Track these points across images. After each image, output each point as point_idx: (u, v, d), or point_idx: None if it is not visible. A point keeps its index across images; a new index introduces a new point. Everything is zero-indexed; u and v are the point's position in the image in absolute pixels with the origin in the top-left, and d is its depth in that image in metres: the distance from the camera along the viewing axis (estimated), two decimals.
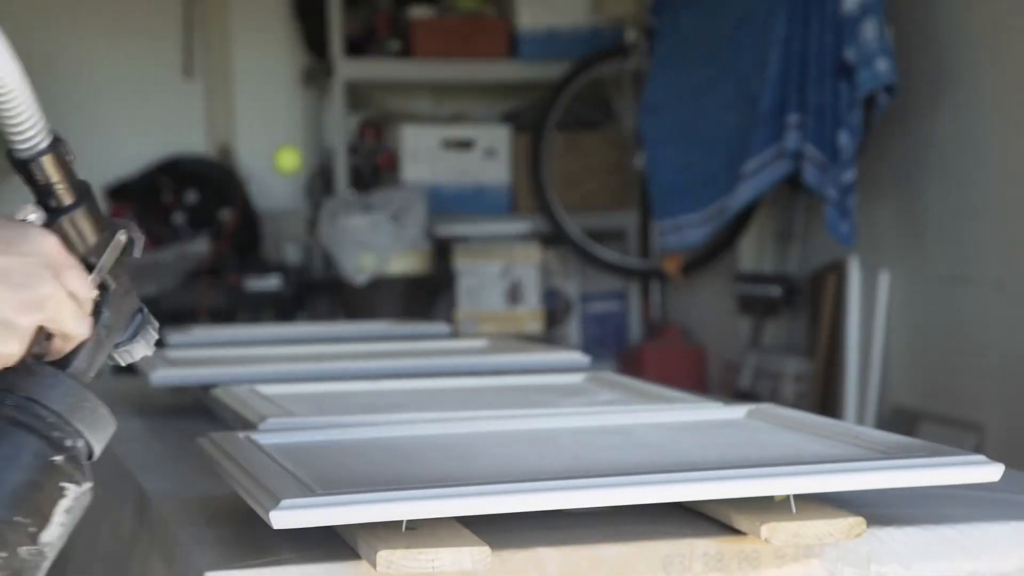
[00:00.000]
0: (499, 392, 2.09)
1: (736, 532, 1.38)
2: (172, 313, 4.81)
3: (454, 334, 3.83)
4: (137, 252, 1.19)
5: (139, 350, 1.21)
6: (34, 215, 1.12)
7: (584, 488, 1.33)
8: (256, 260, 5.09)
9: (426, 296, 5.06)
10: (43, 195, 1.12)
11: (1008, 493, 1.53)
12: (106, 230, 1.16)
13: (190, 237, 5.04)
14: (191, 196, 5.15)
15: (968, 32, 3.85)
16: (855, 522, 1.35)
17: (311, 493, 1.30)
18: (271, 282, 4.97)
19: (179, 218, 5.12)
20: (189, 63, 5.43)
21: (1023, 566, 1.42)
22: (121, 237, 1.17)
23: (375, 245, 4.86)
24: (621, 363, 5.22)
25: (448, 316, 5.08)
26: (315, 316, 5.14)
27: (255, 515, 1.31)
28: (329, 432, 1.67)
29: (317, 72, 5.33)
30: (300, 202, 5.44)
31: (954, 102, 3.90)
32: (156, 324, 1.22)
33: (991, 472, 1.39)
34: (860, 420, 4.13)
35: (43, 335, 1.11)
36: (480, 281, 5.16)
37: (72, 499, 1.10)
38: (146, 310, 1.21)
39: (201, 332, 2.92)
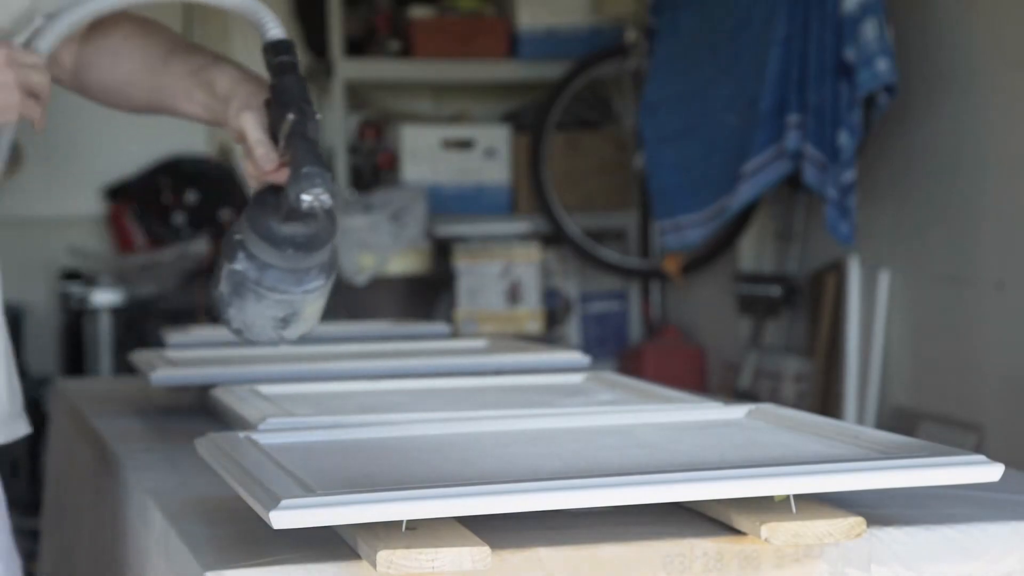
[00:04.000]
0: (499, 392, 2.09)
1: (736, 532, 1.37)
2: (172, 313, 4.81)
3: (454, 334, 3.83)
4: None
5: None
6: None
7: (584, 488, 1.33)
8: None
9: (426, 296, 5.06)
10: None
11: (1008, 493, 1.53)
12: None
13: (190, 237, 5.03)
14: (191, 196, 5.15)
15: (968, 32, 3.85)
16: (855, 522, 1.35)
17: (311, 493, 1.30)
18: None
19: (179, 218, 5.12)
20: None
21: (1023, 566, 1.42)
22: None
23: (375, 245, 4.86)
24: (621, 363, 5.22)
25: (448, 316, 5.08)
26: None
27: (255, 515, 1.31)
28: (329, 432, 1.67)
29: (317, 72, 5.33)
30: None
31: (954, 102, 3.90)
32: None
33: (991, 472, 1.39)
34: (860, 420, 4.13)
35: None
36: (480, 281, 5.16)
37: None
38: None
39: (201, 332, 2.91)
